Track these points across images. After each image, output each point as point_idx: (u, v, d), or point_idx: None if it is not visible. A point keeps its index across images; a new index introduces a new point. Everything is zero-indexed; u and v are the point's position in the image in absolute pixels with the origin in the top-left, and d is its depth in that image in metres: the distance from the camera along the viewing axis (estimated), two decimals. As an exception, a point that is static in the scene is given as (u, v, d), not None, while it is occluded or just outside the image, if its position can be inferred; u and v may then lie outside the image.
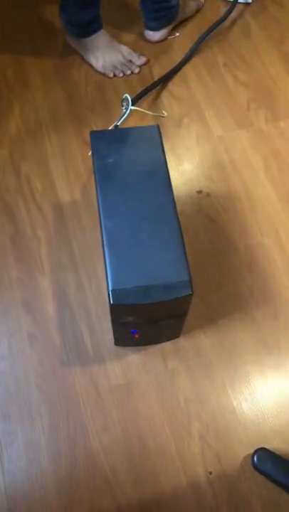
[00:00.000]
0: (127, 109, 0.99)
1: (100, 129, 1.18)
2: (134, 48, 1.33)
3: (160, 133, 0.85)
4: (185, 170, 1.14)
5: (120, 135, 0.85)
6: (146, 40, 1.35)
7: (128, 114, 1.00)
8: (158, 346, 0.92)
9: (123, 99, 1.01)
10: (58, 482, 0.80)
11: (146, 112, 1.15)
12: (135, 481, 0.80)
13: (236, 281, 0.99)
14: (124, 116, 0.98)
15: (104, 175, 0.80)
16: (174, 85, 1.28)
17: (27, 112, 1.22)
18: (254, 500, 0.78)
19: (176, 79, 1.29)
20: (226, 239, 1.04)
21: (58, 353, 0.91)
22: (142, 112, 1.11)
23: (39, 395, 0.87)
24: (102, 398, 0.87)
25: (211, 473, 0.80)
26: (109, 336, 0.92)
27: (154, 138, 0.84)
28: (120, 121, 0.98)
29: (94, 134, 0.85)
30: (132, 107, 1.02)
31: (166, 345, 0.92)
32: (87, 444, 0.83)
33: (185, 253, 0.72)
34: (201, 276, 0.98)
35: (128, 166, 0.80)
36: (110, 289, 0.69)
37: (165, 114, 1.19)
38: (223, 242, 1.04)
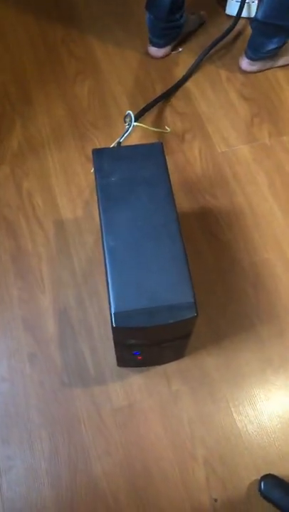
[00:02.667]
0: (129, 125, 0.99)
1: (102, 144, 1.18)
2: (137, 64, 1.33)
3: (163, 151, 0.84)
4: (188, 186, 1.13)
5: (123, 153, 0.84)
6: (151, 56, 1.35)
7: (131, 131, 0.99)
8: (161, 367, 0.90)
9: (126, 116, 1.01)
10: (58, 510, 0.77)
11: (149, 128, 1.14)
12: (138, 508, 0.77)
13: (241, 300, 0.97)
14: (127, 133, 0.98)
15: (107, 193, 0.79)
16: (176, 100, 1.27)
17: (29, 128, 1.22)
18: (261, 530, 0.76)
19: (179, 94, 1.28)
20: (230, 256, 1.02)
21: (59, 373, 0.89)
22: (144, 127, 1.10)
23: (39, 418, 0.85)
24: (104, 421, 0.85)
25: (216, 500, 0.78)
26: (111, 355, 0.89)
27: (157, 156, 0.83)
28: (123, 137, 0.97)
29: (96, 152, 0.84)
30: (135, 123, 1.01)
31: (170, 366, 0.90)
32: (89, 469, 0.80)
33: (189, 274, 0.71)
34: (206, 295, 0.96)
35: (131, 184, 0.79)
36: (113, 311, 0.67)
37: (168, 129, 1.18)
38: (227, 259, 1.02)
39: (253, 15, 1.43)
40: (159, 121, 1.23)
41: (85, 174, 1.14)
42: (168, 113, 1.25)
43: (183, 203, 1.10)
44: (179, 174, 1.14)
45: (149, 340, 0.75)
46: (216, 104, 1.27)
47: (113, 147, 0.87)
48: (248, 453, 0.82)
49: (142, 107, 1.16)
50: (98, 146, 1.18)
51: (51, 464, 0.81)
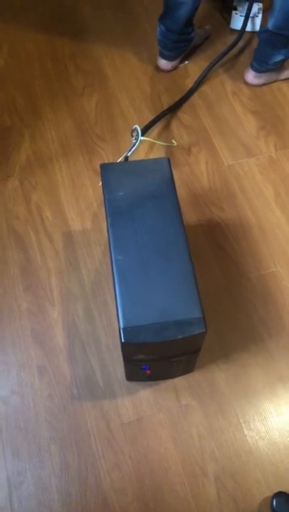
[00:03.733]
0: (136, 139, 1.00)
1: (110, 158, 1.19)
2: (144, 77, 1.35)
3: (170, 166, 0.85)
4: (195, 199, 1.13)
5: (130, 168, 0.85)
6: (160, 69, 1.36)
7: (138, 145, 1.00)
8: (171, 381, 0.90)
9: (133, 130, 1.02)
10: (68, 525, 0.77)
11: (156, 141, 1.15)
12: (148, 524, 0.77)
13: (249, 313, 0.97)
14: (134, 147, 0.99)
15: (115, 208, 0.80)
16: (183, 114, 1.28)
17: (37, 141, 1.23)
18: None
19: (186, 107, 1.30)
20: (237, 269, 1.03)
21: (68, 386, 0.90)
22: (151, 141, 1.11)
23: (49, 432, 0.85)
24: (114, 435, 0.84)
25: (227, 517, 0.77)
26: (120, 369, 0.90)
27: (164, 171, 0.84)
28: (130, 152, 0.98)
29: (104, 167, 0.85)
30: (142, 138, 1.02)
31: (179, 380, 0.90)
32: (99, 484, 0.80)
33: (197, 289, 0.71)
34: (214, 308, 0.97)
35: (138, 200, 0.80)
36: (122, 326, 0.67)
37: (175, 143, 1.19)
38: (235, 272, 1.02)
39: (257, 29, 1.46)
40: (165, 135, 1.24)
41: (93, 187, 1.15)
42: (174, 126, 1.26)
43: (190, 216, 1.11)
44: (186, 187, 1.15)
45: (158, 355, 0.76)
46: (222, 117, 1.28)
47: (120, 162, 0.88)
48: (259, 470, 0.81)
49: (148, 121, 1.17)
50: (106, 160, 1.19)
51: (61, 479, 0.81)
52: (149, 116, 1.26)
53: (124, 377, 0.89)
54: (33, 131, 1.25)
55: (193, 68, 1.38)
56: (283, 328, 0.95)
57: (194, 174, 1.18)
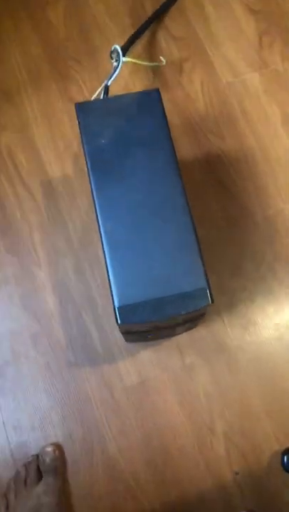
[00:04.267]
0: (118, 62, 0.82)
1: (87, 84, 1.01)
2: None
3: (161, 100, 0.70)
4: (191, 127, 0.98)
5: (113, 105, 0.71)
6: None
7: (119, 70, 0.83)
8: (173, 339, 0.84)
9: (112, 51, 0.84)
10: (78, 494, 0.76)
11: (141, 62, 0.96)
12: (158, 486, 0.76)
13: (256, 260, 0.88)
14: (116, 74, 0.82)
15: (98, 161, 0.67)
16: (171, 21, 1.07)
17: (0, 70, 1.04)
18: (284, 500, 0.75)
19: (174, 12, 1.08)
20: (241, 210, 0.92)
21: (65, 353, 0.84)
22: (135, 62, 0.93)
23: (49, 402, 0.81)
24: (117, 400, 0.81)
25: (237, 473, 0.76)
26: (118, 330, 0.83)
27: (154, 107, 0.70)
28: (111, 79, 0.81)
29: (80, 107, 0.70)
30: (124, 59, 0.84)
31: (182, 337, 0.84)
32: (105, 451, 0.78)
33: (200, 255, 0.62)
34: (216, 256, 0.88)
35: (125, 149, 0.67)
36: (116, 306, 0.59)
37: (163, 61, 1.00)
38: (238, 213, 0.92)
39: None
40: (152, 50, 1.04)
41: (71, 122, 0.99)
42: (162, 38, 1.05)
43: (186, 148, 0.96)
44: (180, 114, 0.99)
45: (159, 328, 0.68)
46: (218, 22, 1.07)
47: (100, 99, 0.73)
48: (268, 425, 0.79)
49: (130, 34, 0.97)
50: (82, 87, 1.02)
51: (66, 449, 0.78)
52: (130, 25, 1.05)
53: (124, 340, 0.83)
54: (-7, 57, 1.05)
55: None
56: (293, 274, 0.87)
57: (188, 97, 1.01)
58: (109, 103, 0.70)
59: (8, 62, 1.04)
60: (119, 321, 0.58)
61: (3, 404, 0.82)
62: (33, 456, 0.77)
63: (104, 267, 0.62)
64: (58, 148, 0.97)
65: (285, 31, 1.05)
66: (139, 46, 1.04)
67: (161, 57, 1.01)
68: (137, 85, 1.01)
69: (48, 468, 0.74)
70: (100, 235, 0.62)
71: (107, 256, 0.61)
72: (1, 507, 0.72)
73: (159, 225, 0.63)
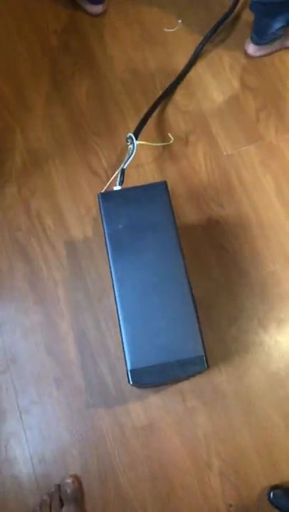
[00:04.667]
0: (132, 148, 0.97)
1: (106, 156, 1.17)
2: (133, 51, 1.27)
3: (168, 190, 0.84)
4: (194, 195, 1.13)
5: (128, 196, 0.85)
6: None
7: (134, 154, 0.98)
8: (177, 386, 0.97)
9: (127, 138, 0.99)
10: (93, 519, 0.89)
11: (152, 144, 1.12)
12: (162, 515, 0.89)
13: (250, 314, 1.01)
14: (131, 158, 0.96)
15: (115, 243, 0.81)
16: (179, 96, 1.22)
17: (31, 140, 1.20)
18: (271, 529, 0.87)
19: (182, 89, 1.23)
20: (238, 269, 1.05)
21: (83, 395, 0.98)
22: (147, 144, 1.08)
23: (70, 437, 0.95)
24: (127, 438, 0.94)
25: (231, 506, 0.89)
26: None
27: (162, 196, 0.84)
28: (127, 163, 0.96)
29: (103, 197, 0.85)
30: (137, 143, 0.99)
31: (185, 384, 0.97)
32: (117, 482, 0.91)
33: (199, 326, 0.75)
34: (214, 309, 1.01)
35: (138, 233, 0.81)
36: (129, 369, 0.73)
37: (171, 139, 1.15)
38: (235, 272, 1.05)
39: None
40: (162, 124, 1.19)
41: (91, 189, 1.14)
42: (171, 112, 1.21)
43: (190, 214, 1.11)
44: (185, 183, 1.14)
45: (163, 383, 0.82)
46: (220, 98, 1.22)
47: (118, 190, 0.87)
48: (258, 463, 0.91)
49: (142, 116, 1.12)
50: (101, 157, 1.17)
51: (83, 479, 0.92)
52: (144, 102, 1.20)
53: (134, 385, 0.97)
54: (24, 128, 1.21)
55: (186, 37, 1.28)
56: (284, 329, 1.00)
57: (193, 168, 1.15)
58: (125, 194, 0.85)
59: (38, 134, 1.20)
60: (130, 382, 0.72)
61: (30, 438, 0.95)
62: (55, 486, 0.90)
63: (118, 326, 0.75)
64: (79, 213, 1.13)
65: (280, 109, 1.19)
66: (150, 123, 1.19)
67: (169, 135, 1.16)
68: (149, 158, 1.15)
69: (69, 498, 0.87)
70: (116, 303, 0.77)
71: (121, 325, 0.75)
72: None
73: (163, 299, 0.77)
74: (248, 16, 1.29)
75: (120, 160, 1.15)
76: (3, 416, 0.97)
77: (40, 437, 0.95)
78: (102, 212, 0.83)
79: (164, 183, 0.84)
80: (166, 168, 1.14)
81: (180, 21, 1.30)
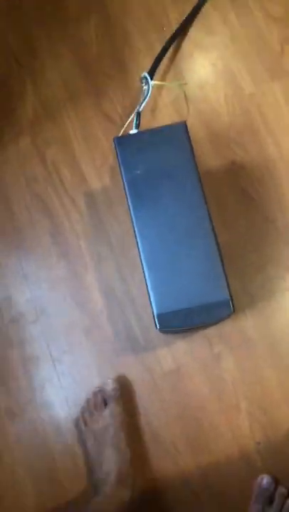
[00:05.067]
0: (148, 89, 0.92)
1: (120, 99, 1.11)
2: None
3: (188, 132, 0.81)
4: (216, 138, 1.07)
5: (146, 139, 0.82)
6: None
7: (150, 95, 0.93)
8: (204, 331, 0.98)
9: (142, 78, 0.93)
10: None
11: (168, 84, 1.05)
12: (193, 452, 0.93)
13: (276, 261, 0.99)
14: (146, 99, 0.92)
15: (135, 190, 0.79)
16: (196, 32, 1.14)
17: (41, 88, 1.15)
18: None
19: (198, 23, 1.14)
20: (263, 217, 1.02)
21: (112, 343, 1.00)
22: (162, 84, 1.02)
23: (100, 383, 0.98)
24: (157, 384, 0.97)
25: (259, 443, 0.91)
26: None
27: (181, 139, 0.81)
28: (142, 105, 0.92)
29: (119, 141, 0.82)
30: (152, 83, 0.94)
31: (211, 330, 0.98)
32: (150, 423, 0.95)
33: (224, 270, 0.74)
34: (240, 257, 0.99)
35: (157, 178, 0.79)
36: (156, 313, 0.73)
37: (186, 82, 1.08)
38: (260, 220, 1.02)
39: None
40: (178, 62, 1.12)
41: (106, 136, 1.10)
42: (187, 49, 1.13)
43: (211, 159, 1.06)
44: (205, 127, 1.08)
45: (190, 328, 0.82)
46: (240, 31, 1.13)
47: (135, 133, 0.84)
48: (285, 403, 0.92)
49: (156, 55, 1.05)
50: (115, 101, 1.12)
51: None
52: (157, 40, 1.13)
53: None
54: (34, 77, 1.16)
55: None
56: (309, 272, 0.98)
57: (213, 109, 1.09)
58: (142, 137, 0.81)
59: (48, 81, 1.15)
60: (158, 327, 0.73)
61: (64, 384, 0.99)
62: (95, 388, 0.96)
63: (143, 276, 0.75)
64: (95, 162, 1.10)
65: (305, 37, 1.10)
66: (166, 60, 1.12)
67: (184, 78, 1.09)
68: (166, 99, 1.09)
69: (111, 396, 0.93)
70: (139, 252, 0.76)
71: (145, 271, 0.75)
72: (81, 422, 0.94)
73: (188, 244, 0.75)
74: None
75: (135, 103, 1.09)
76: (37, 363, 1.00)
77: (74, 382, 0.99)
78: (119, 158, 0.80)
79: (184, 124, 0.80)
80: (184, 110, 1.09)
81: None
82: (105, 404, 0.94)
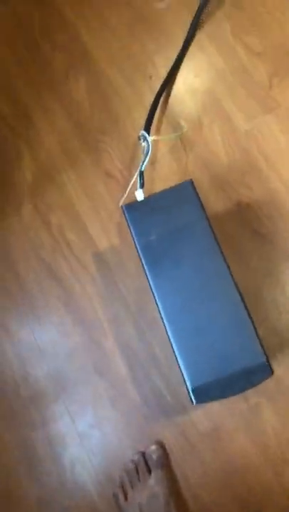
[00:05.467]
0: (147, 147, 0.90)
1: (117, 155, 1.10)
2: (127, 33, 1.18)
3: (195, 189, 0.78)
4: (218, 182, 1.05)
5: (154, 203, 0.79)
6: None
7: (150, 152, 0.91)
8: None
9: (140, 136, 0.92)
10: None
11: (166, 137, 1.04)
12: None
13: (299, 300, 0.96)
14: (147, 159, 0.90)
15: (150, 255, 0.76)
16: (183, 77, 1.13)
17: (38, 152, 1.14)
18: None
19: (185, 66, 1.14)
20: (277, 251, 0.99)
21: (140, 409, 0.95)
22: (161, 139, 1.00)
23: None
24: (195, 446, 0.91)
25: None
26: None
27: (189, 197, 0.78)
28: (144, 164, 0.90)
29: (127, 208, 0.79)
30: (151, 139, 0.92)
31: (243, 382, 0.93)
32: (192, 492, 0.89)
33: (255, 329, 0.70)
34: (261, 298, 0.95)
35: (171, 239, 0.76)
36: (190, 388, 0.69)
37: (185, 127, 1.07)
38: (275, 255, 0.99)
39: None
40: (171, 111, 1.11)
41: (110, 193, 1.08)
42: (177, 96, 1.12)
43: (216, 203, 1.04)
44: (206, 171, 1.06)
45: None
46: (226, 69, 1.12)
47: (142, 200, 0.81)
48: None
49: (148, 110, 1.04)
50: (113, 155, 1.10)
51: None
52: (148, 89, 1.12)
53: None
54: (29, 142, 1.15)
55: (180, 10, 1.18)
56: None
57: (211, 152, 1.07)
58: (150, 201, 0.79)
59: (45, 144, 1.14)
60: (194, 402, 0.68)
61: (95, 462, 0.94)
62: (138, 453, 0.90)
63: (165, 333, 0.71)
64: (102, 220, 1.07)
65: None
66: (159, 112, 1.10)
67: (181, 122, 1.08)
68: (163, 150, 1.08)
69: (156, 464, 0.87)
70: (162, 320, 0.72)
71: (172, 341, 0.71)
72: (120, 497, 0.88)
73: (210, 303, 0.71)
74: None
75: (133, 156, 1.08)
76: (63, 442, 0.95)
77: (105, 458, 0.94)
78: (130, 225, 0.78)
79: (190, 182, 0.78)
80: (183, 157, 1.07)
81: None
82: (149, 472, 0.89)
